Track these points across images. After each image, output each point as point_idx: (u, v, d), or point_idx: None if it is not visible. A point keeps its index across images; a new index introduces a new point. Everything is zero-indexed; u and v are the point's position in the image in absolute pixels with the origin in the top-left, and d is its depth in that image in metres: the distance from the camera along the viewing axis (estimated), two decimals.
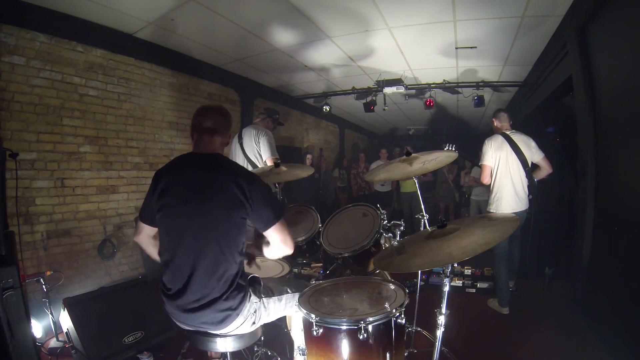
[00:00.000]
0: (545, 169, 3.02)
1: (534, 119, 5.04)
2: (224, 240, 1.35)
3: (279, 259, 2.26)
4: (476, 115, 7.85)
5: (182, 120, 4.54)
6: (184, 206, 1.37)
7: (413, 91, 5.83)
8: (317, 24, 3.54)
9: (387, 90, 5.03)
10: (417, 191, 2.33)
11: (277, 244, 1.48)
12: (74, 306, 2.26)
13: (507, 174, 2.96)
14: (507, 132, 3.04)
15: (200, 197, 1.36)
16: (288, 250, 1.50)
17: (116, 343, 2.25)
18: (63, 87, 3.26)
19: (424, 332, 2.37)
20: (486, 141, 3.06)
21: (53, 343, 2.54)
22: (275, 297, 1.56)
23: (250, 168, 3.07)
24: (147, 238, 1.55)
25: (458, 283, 3.68)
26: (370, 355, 1.36)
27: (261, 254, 1.62)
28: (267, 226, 1.42)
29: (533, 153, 3.00)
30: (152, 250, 1.57)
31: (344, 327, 1.35)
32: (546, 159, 3.01)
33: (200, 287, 1.34)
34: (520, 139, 2.99)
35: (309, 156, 6.56)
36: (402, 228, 1.97)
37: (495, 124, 3.19)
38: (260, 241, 1.60)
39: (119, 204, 3.81)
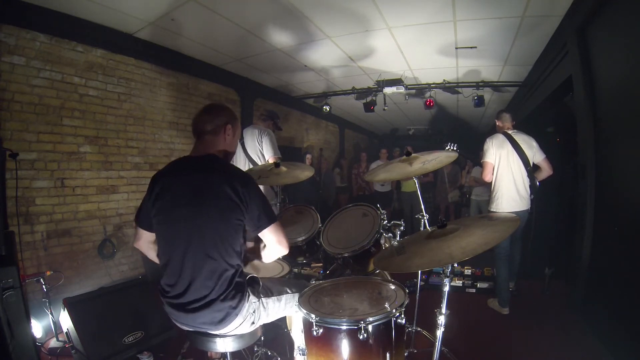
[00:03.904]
0: (546, 171, 3.02)
1: (534, 119, 5.03)
2: (221, 242, 1.35)
3: (279, 259, 2.26)
4: (476, 115, 7.85)
5: (182, 120, 4.54)
6: (179, 209, 1.37)
7: (413, 91, 5.82)
8: (317, 23, 3.54)
9: (387, 90, 5.03)
10: (417, 191, 2.34)
11: (273, 245, 1.49)
12: (74, 306, 2.26)
13: (508, 173, 2.96)
14: (509, 132, 3.04)
15: (196, 200, 1.36)
16: (284, 250, 1.51)
17: (116, 343, 2.25)
18: (63, 87, 3.26)
19: (424, 332, 2.37)
20: (487, 139, 3.07)
21: (53, 343, 2.54)
22: (275, 297, 1.55)
23: (250, 168, 3.07)
24: (147, 244, 1.54)
25: (458, 283, 3.68)
26: (370, 355, 1.36)
27: (259, 258, 1.62)
28: (262, 228, 1.43)
29: (535, 153, 3.00)
30: (153, 255, 1.56)
31: (344, 327, 1.34)
32: (547, 160, 3.01)
33: (198, 289, 1.34)
34: (521, 139, 2.99)
35: (308, 156, 6.56)
36: (402, 228, 1.97)
37: (497, 124, 3.20)
38: (258, 245, 1.60)
39: (119, 204, 3.81)
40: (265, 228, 1.43)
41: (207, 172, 1.40)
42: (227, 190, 1.34)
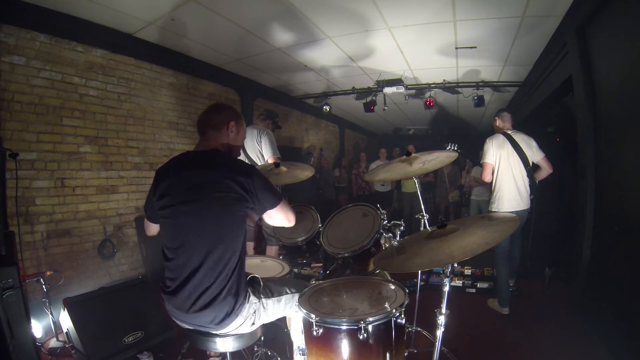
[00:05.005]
0: (546, 170, 3.02)
1: (534, 119, 5.04)
2: (223, 237, 1.36)
3: (279, 259, 2.28)
4: (476, 115, 7.85)
5: (182, 120, 4.54)
6: (183, 205, 1.38)
7: (413, 91, 5.83)
8: (317, 24, 3.54)
9: (387, 90, 5.03)
10: (417, 191, 2.34)
11: (280, 220, 1.56)
12: (74, 306, 2.26)
13: (508, 173, 2.96)
14: (509, 132, 3.04)
15: (198, 195, 1.37)
16: (291, 223, 1.59)
17: (116, 343, 2.25)
18: (63, 87, 3.26)
19: (424, 332, 2.37)
20: (487, 140, 3.07)
21: (53, 343, 2.54)
22: (275, 298, 1.55)
23: None
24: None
25: (458, 283, 3.67)
26: (370, 355, 1.35)
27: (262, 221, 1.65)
28: (270, 209, 1.48)
29: (534, 153, 3.00)
30: None
31: (344, 327, 1.34)
32: (547, 159, 3.02)
33: (200, 287, 1.34)
34: (521, 139, 3.00)
35: (312, 159, 6.57)
36: (402, 228, 1.97)
37: (497, 123, 3.20)
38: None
39: (119, 204, 3.81)
40: (272, 209, 1.48)
41: (209, 167, 1.41)
42: (231, 184, 1.36)
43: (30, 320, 2.02)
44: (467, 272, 3.89)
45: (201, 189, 1.37)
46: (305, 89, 6.25)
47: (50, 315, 2.50)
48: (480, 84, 5.25)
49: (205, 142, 1.51)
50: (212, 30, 3.66)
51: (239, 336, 1.47)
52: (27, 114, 3.02)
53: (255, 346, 2.07)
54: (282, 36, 3.84)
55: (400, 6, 3.18)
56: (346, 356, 1.36)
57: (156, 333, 2.45)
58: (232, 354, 1.52)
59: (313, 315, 1.37)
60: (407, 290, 1.51)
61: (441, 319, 1.37)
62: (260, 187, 1.43)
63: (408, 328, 2.30)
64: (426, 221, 2.20)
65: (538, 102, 4.51)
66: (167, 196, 1.41)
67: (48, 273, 2.63)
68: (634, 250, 2.12)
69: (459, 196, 6.58)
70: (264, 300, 1.51)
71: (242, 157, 3.20)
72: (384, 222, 2.00)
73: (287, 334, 1.88)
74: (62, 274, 2.95)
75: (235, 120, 1.54)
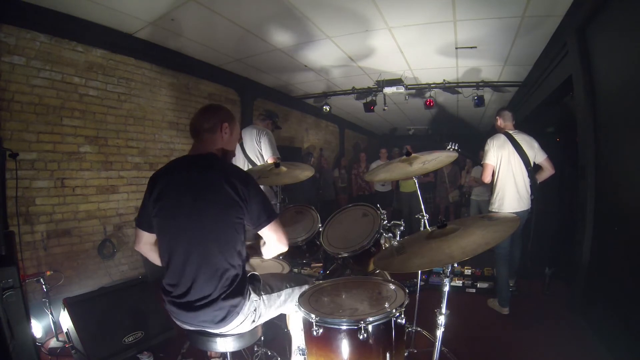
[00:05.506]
0: (548, 170, 3.01)
1: (534, 119, 5.04)
2: (222, 240, 1.35)
3: (279, 259, 2.27)
4: (476, 115, 7.85)
5: (182, 120, 4.54)
6: (180, 208, 1.37)
7: (413, 91, 5.83)
8: (317, 24, 3.54)
9: (387, 90, 5.03)
10: (417, 191, 2.34)
11: (273, 242, 1.50)
12: (74, 306, 2.26)
13: (509, 174, 2.96)
14: (510, 132, 3.03)
15: (196, 198, 1.36)
16: (283, 248, 1.52)
17: (116, 343, 2.25)
18: (63, 87, 3.26)
19: (424, 332, 2.37)
20: (488, 140, 3.06)
21: (53, 343, 2.54)
22: (275, 294, 1.56)
23: (250, 168, 3.08)
24: (148, 245, 1.53)
25: (458, 283, 3.67)
26: (370, 355, 1.36)
27: (259, 254, 1.62)
28: (262, 225, 1.43)
29: (536, 153, 2.99)
30: (154, 257, 1.55)
31: (344, 327, 1.34)
32: (549, 160, 3.01)
33: (200, 287, 1.34)
34: (522, 139, 2.98)
35: (312, 159, 6.57)
36: (402, 228, 1.97)
37: (498, 122, 3.17)
38: (257, 242, 1.61)
39: (119, 204, 3.81)
40: (265, 226, 1.43)
41: (206, 170, 1.40)
42: (227, 189, 1.34)
43: (30, 320, 2.02)
44: (467, 272, 3.89)
45: (197, 193, 1.36)
46: (305, 89, 6.24)
47: (50, 315, 2.50)
48: (480, 84, 5.25)
49: (200, 145, 1.49)
50: (212, 30, 3.66)
51: (239, 336, 1.47)
52: (27, 114, 3.02)
53: (255, 346, 2.07)
54: (282, 36, 3.84)
55: (400, 6, 3.18)
56: (346, 356, 1.36)
57: (156, 333, 2.45)
58: (232, 354, 1.52)
59: (313, 315, 1.37)
60: (407, 290, 1.51)
61: (441, 319, 1.37)
62: (255, 197, 1.39)
63: (408, 328, 2.30)
64: (426, 221, 2.20)
65: (538, 102, 4.51)
66: (164, 199, 1.40)
67: (48, 273, 2.63)
68: (634, 250, 2.12)
69: (459, 196, 6.58)
70: (264, 296, 1.51)
71: (241, 157, 3.20)
72: (384, 222, 2.00)
73: (287, 334, 1.88)
74: (62, 274, 2.95)
75: (228, 121, 1.52)
